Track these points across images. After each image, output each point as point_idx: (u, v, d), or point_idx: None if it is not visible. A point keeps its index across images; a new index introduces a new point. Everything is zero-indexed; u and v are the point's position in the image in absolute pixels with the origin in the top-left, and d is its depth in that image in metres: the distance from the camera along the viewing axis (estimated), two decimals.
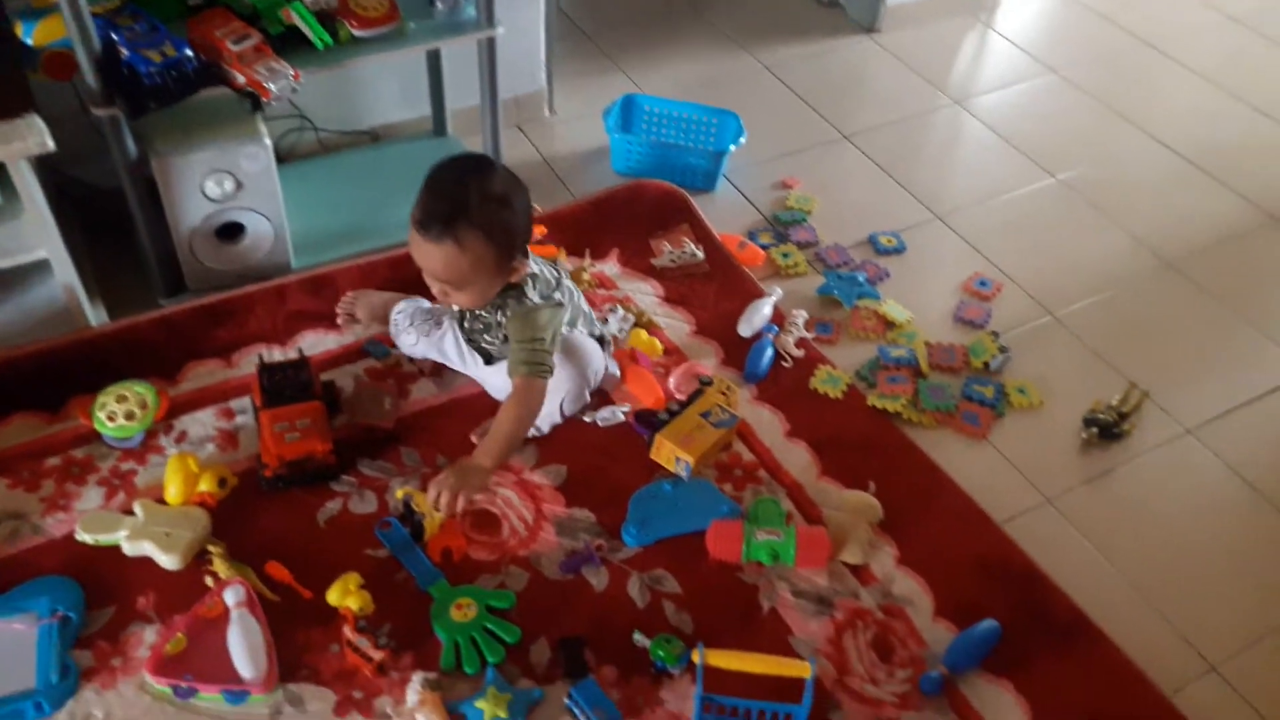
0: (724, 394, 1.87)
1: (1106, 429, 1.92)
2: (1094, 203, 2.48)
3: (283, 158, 2.35)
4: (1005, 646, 1.57)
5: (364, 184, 2.33)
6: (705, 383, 1.89)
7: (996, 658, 1.56)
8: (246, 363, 1.91)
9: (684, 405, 1.84)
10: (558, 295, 1.71)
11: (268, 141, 1.89)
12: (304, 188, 2.28)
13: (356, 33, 1.87)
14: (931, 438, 1.91)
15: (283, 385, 1.74)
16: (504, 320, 1.71)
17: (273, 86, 1.73)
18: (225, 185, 1.88)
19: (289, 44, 1.82)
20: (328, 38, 1.81)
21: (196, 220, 1.92)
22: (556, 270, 1.77)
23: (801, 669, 1.29)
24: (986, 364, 2.03)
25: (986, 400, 1.96)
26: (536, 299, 1.67)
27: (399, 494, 1.64)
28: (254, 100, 1.77)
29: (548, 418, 1.79)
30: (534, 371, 1.66)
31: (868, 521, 1.71)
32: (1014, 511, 1.80)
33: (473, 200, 1.52)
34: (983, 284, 2.23)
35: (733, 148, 2.41)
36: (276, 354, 1.93)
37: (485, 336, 1.81)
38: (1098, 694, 1.54)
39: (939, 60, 2.96)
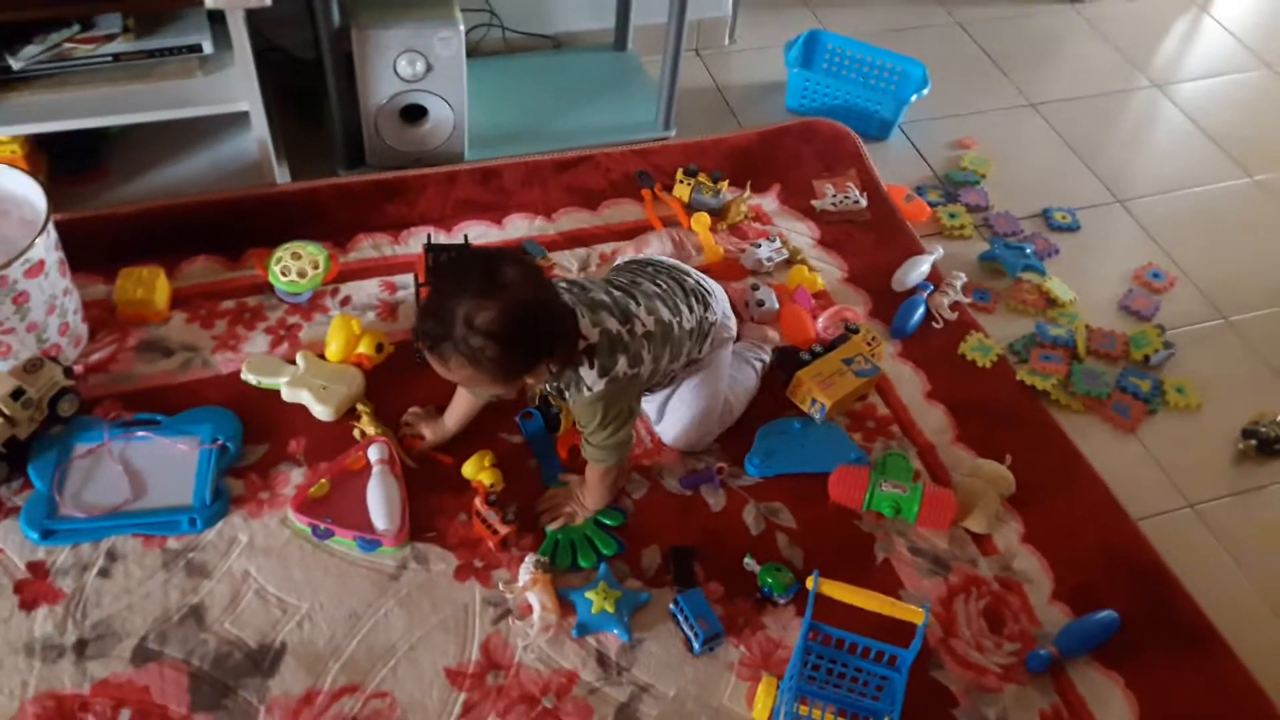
0: (869, 344, 1.85)
1: (1267, 443, 1.82)
2: None
3: (469, 53, 2.39)
4: (1122, 640, 1.53)
5: (541, 88, 2.36)
6: (852, 330, 1.87)
7: (1111, 650, 1.53)
8: (413, 240, 1.98)
9: (827, 348, 1.83)
10: (622, 363, 1.45)
11: (461, 28, 1.93)
12: (484, 84, 2.33)
13: None
14: (1077, 423, 1.85)
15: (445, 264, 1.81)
16: (569, 398, 1.50)
17: None
18: (417, 66, 1.94)
19: None
20: None
21: (385, 98, 1.99)
22: (663, 288, 1.57)
23: (915, 614, 1.28)
24: (1147, 357, 1.95)
25: (1141, 394, 1.89)
26: (594, 382, 1.43)
27: (537, 389, 1.69)
28: None
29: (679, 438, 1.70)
30: (600, 462, 1.53)
31: (998, 493, 1.68)
32: (1152, 510, 1.74)
33: (458, 331, 1.29)
34: (1156, 275, 2.12)
35: (915, 98, 2.34)
36: (442, 237, 2.00)
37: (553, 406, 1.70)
38: (1211, 703, 1.49)
39: (1143, 38, 2.79)
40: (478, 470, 1.62)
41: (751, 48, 2.62)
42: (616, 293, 1.53)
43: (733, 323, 1.73)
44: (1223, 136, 2.50)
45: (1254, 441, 1.83)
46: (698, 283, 1.67)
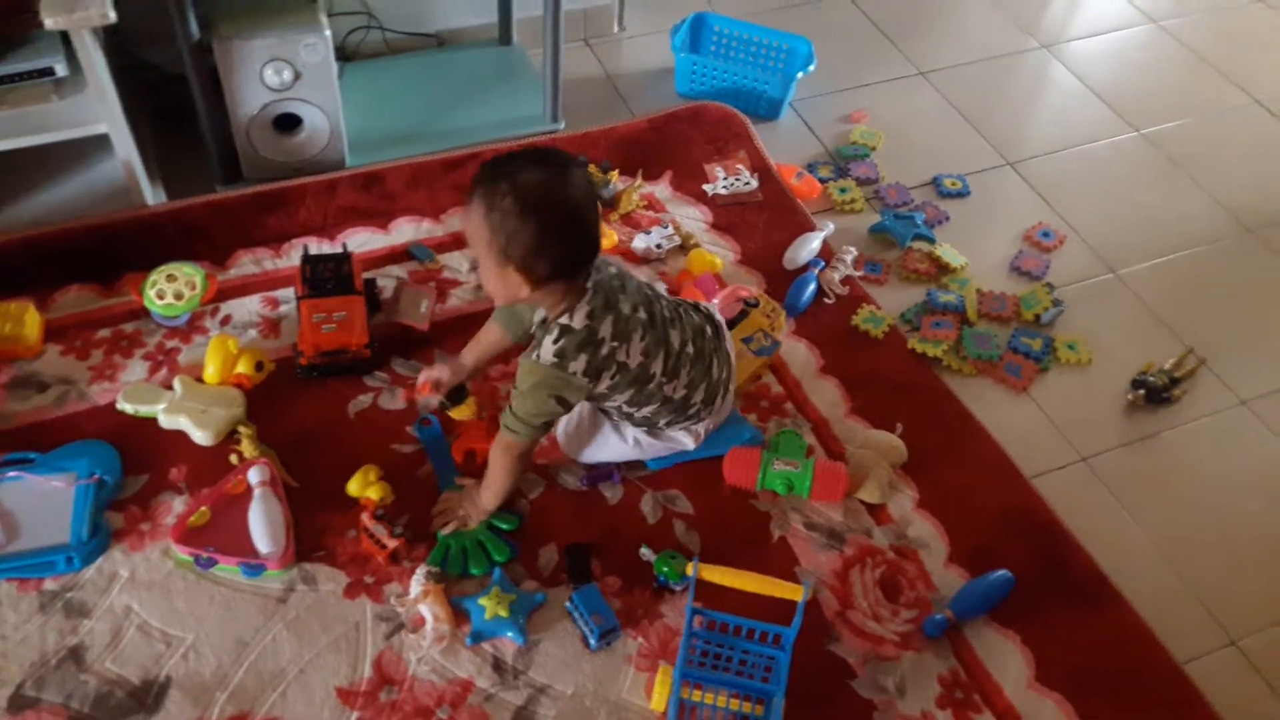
0: (768, 316, 1.84)
1: (1155, 392, 1.85)
2: (1176, 161, 2.36)
3: (349, 56, 2.36)
4: (1018, 599, 1.55)
5: (425, 87, 2.33)
6: (750, 305, 1.86)
7: (1007, 609, 1.54)
8: (294, 253, 1.94)
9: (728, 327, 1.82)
10: (579, 364, 1.42)
11: (327, 33, 1.90)
12: (366, 87, 2.30)
13: None
14: (971, 386, 1.87)
15: (324, 277, 1.77)
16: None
17: None
18: (284, 74, 1.90)
19: None
20: None
21: (255, 109, 1.95)
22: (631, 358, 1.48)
23: (795, 591, 1.28)
24: (1038, 316, 1.97)
25: (1033, 353, 1.91)
26: (545, 354, 1.42)
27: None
28: None
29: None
30: (506, 431, 1.49)
31: (889, 462, 1.69)
32: (1045, 467, 1.76)
33: (502, 173, 1.33)
34: (1046, 235, 2.15)
35: (801, 75, 2.34)
36: (325, 247, 1.96)
37: None
38: (1105, 654, 1.51)
39: (1031, 1, 2.82)
40: (363, 486, 1.59)
41: (641, 34, 2.61)
42: (639, 312, 1.48)
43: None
44: (1110, 93, 2.53)
45: (1142, 391, 1.85)
46: (721, 379, 1.63)
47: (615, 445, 1.65)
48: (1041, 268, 2.08)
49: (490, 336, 1.68)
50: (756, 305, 1.86)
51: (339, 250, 1.83)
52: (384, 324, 1.83)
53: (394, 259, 1.97)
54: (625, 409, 1.57)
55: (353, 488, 1.60)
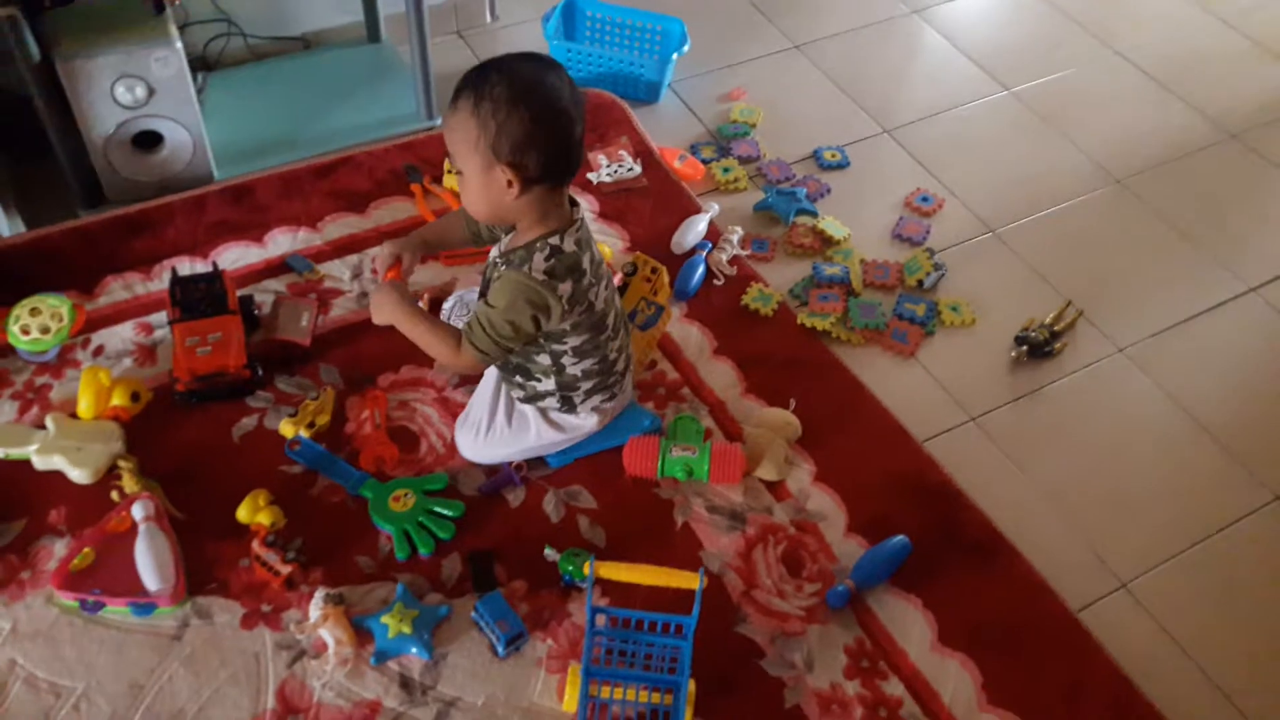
0: (649, 279, 1.79)
1: (1037, 347, 1.91)
2: (1046, 117, 2.42)
3: (211, 65, 2.28)
4: (917, 562, 1.58)
5: (294, 92, 2.26)
6: (629, 273, 1.80)
7: (907, 573, 1.57)
8: (166, 276, 1.86)
9: None
10: (566, 289, 1.42)
11: (179, 45, 1.82)
12: (231, 96, 2.22)
13: None
14: (860, 356, 1.90)
15: (195, 298, 1.71)
16: (495, 272, 1.48)
17: None
18: (137, 91, 1.82)
19: None
20: None
21: (110, 128, 1.87)
22: (603, 299, 1.51)
23: (690, 580, 1.29)
24: (920, 281, 2.01)
25: (917, 318, 1.95)
26: (536, 268, 1.40)
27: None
28: (156, 2, 1.69)
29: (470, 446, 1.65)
30: (468, 336, 1.47)
31: (785, 439, 1.71)
32: (936, 430, 1.80)
33: (491, 67, 1.32)
34: (925, 200, 2.19)
35: (676, 57, 2.33)
36: (198, 266, 1.90)
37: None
38: (1003, 608, 1.56)
39: None
40: (253, 512, 1.55)
41: (515, 22, 2.57)
42: (600, 265, 1.51)
43: None
44: (979, 54, 2.59)
45: (1025, 348, 1.91)
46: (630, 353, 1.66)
47: (528, 439, 1.63)
48: (922, 233, 2.12)
49: (453, 225, 1.63)
50: (635, 273, 1.81)
51: (209, 269, 1.76)
52: (264, 341, 1.78)
53: (271, 272, 1.91)
54: (568, 358, 1.54)
55: (242, 514, 1.55)
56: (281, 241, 1.96)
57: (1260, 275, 2.09)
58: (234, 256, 1.93)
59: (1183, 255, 2.13)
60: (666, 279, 1.80)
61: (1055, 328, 1.94)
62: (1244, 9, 2.76)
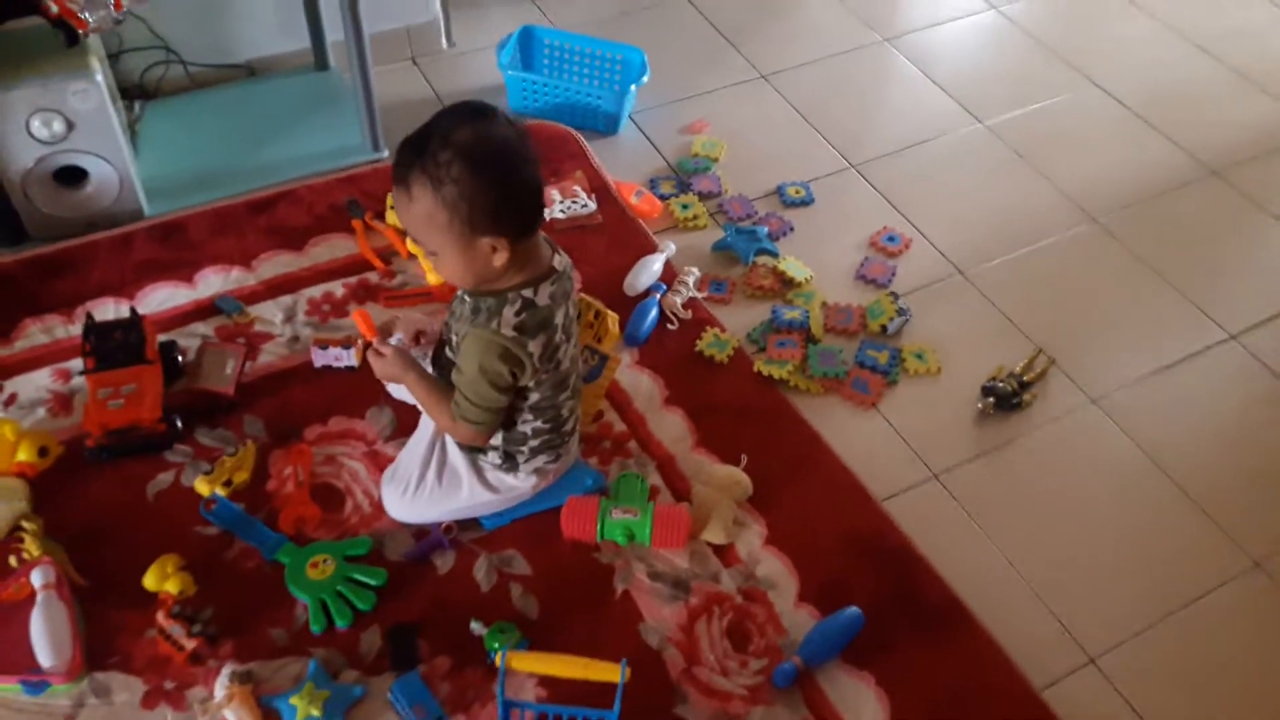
0: (591, 325, 1.70)
1: (1004, 399, 1.81)
2: (1021, 151, 2.33)
3: (150, 94, 2.18)
4: (870, 634, 1.48)
5: (236, 122, 2.17)
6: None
7: (860, 647, 1.47)
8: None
9: None
10: (536, 345, 1.34)
11: (100, 78, 1.73)
12: (168, 127, 2.13)
13: None
14: (818, 406, 1.80)
15: (110, 347, 1.62)
16: (459, 330, 1.39)
17: (89, 16, 1.58)
18: (54, 126, 1.73)
19: None
20: None
21: (28, 164, 1.77)
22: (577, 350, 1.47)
23: (611, 672, 1.19)
24: (884, 327, 1.91)
25: (879, 366, 1.85)
26: (505, 324, 1.32)
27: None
28: (69, 33, 1.60)
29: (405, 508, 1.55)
30: (456, 411, 1.40)
31: (733, 499, 1.61)
32: (897, 487, 1.70)
33: (433, 145, 1.22)
34: (891, 239, 2.10)
35: (634, 88, 2.25)
36: (123, 308, 1.80)
37: (447, 351, 1.49)
38: (962, 686, 1.45)
39: None
40: (161, 579, 1.45)
41: (473, 49, 2.48)
42: (573, 322, 1.45)
43: None
44: (953, 84, 2.50)
45: (992, 399, 1.81)
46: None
47: (458, 499, 1.53)
48: (887, 274, 2.03)
49: None
50: (579, 317, 1.70)
51: (127, 314, 1.67)
52: (185, 391, 1.68)
53: (200, 315, 1.82)
54: (522, 414, 1.45)
55: (149, 582, 1.45)
56: (212, 281, 1.87)
57: (1241, 321, 2.00)
58: (161, 298, 1.83)
59: (1161, 299, 2.04)
60: (613, 325, 1.71)
61: (1024, 377, 1.85)
62: (1227, 37, 2.68)
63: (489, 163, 1.24)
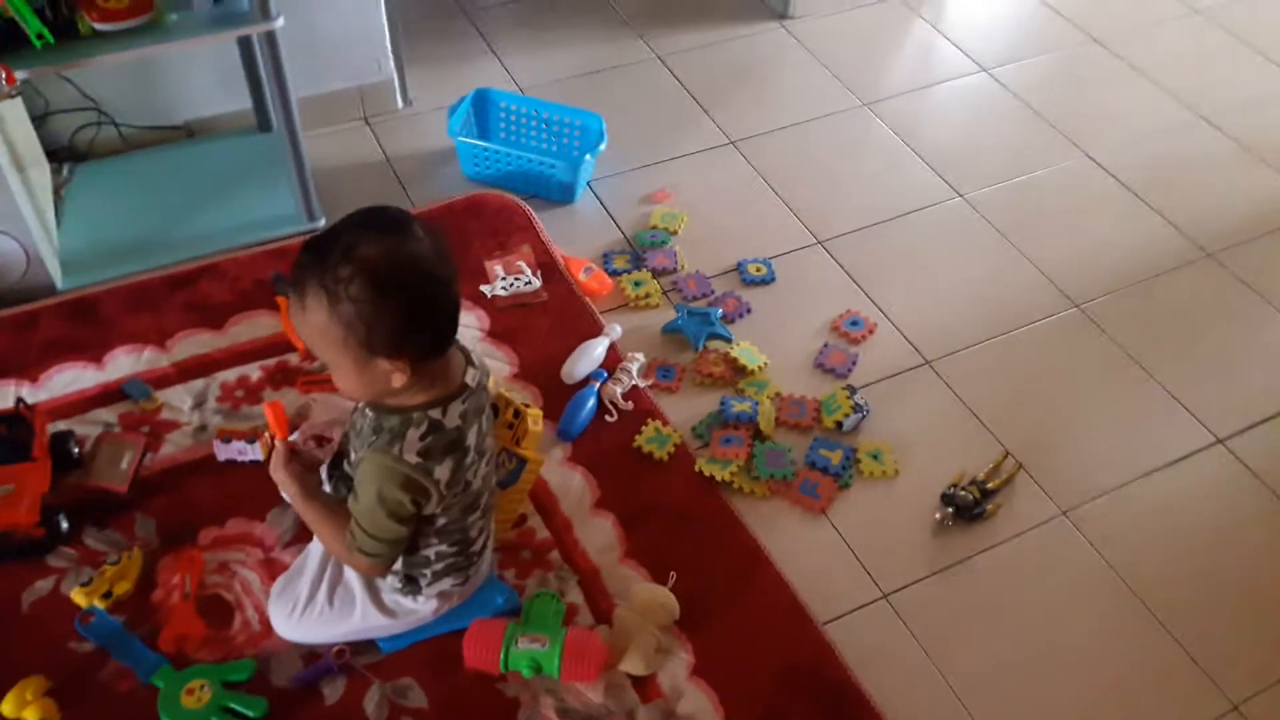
0: (510, 426, 1.55)
1: (966, 508, 1.66)
2: (1003, 228, 2.19)
3: (80, 156, 2.09)
4: None
5: (168, 187, 2.07)
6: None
7: None
8: None
9: None
10: (444, 471, 1.21)
11: (2, 147, 1.63)
12: (98, 191, 2.04)
13: (97, 26, 1.59)
14: (763, 511, 1.66)
15: None
16: (358, 446, 1.28)
17: None
18: None
19: (7, 39, 1.54)
20: (48, 34, 1.53)
21: None
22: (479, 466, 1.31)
23: None
24: (839, 423, 1.77)
25: (832, 468, 1.71)
26: (408, 449, 1.19)
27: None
28: None
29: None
30: (351, 543, 1.27)
31: (657, 624, 1.47)
32: (842, 607, 1.56)
33: (334, 257, 1.10)
34: (854, 324, 1.96)
35: (589, 157, 2.13)
36: (25, 390, 1.69)
37: (345, 465, 1.40)
38: None
39: (853, 53, 2.65)
40: (19, 706, 1.32)
41: (431, 108, 2.37)
42: (488, 438, 1.34)
43: None
44: (934, 153, 2.37)
45: (952, 509, 1.67)
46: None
47: (350, 622, 1.40)
48: (847, 363, 1.89)
49: None
50: (495, 416, 1.55)
51: (11, 408, 1.56)
52: (76, 487, 1.57)
53: (106, 399, 1.71)
54: (426, 537, 1.32)
55: (7, 709, 1.33)
56: (123, 363, 1.76)
57: (1231, 423, 1.84)
58: (66, 380, 1.73)
59: (1144, 396, 1.89)
60: (534, 424, 1.56)
61: (989, 484, 1.70)
62: (1233, 107, 2.53)
63: (395, 285, 1.11)
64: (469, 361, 1.28)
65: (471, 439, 1.26)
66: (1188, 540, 1.68)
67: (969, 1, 2.88)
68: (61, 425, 1.65)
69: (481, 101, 2.23)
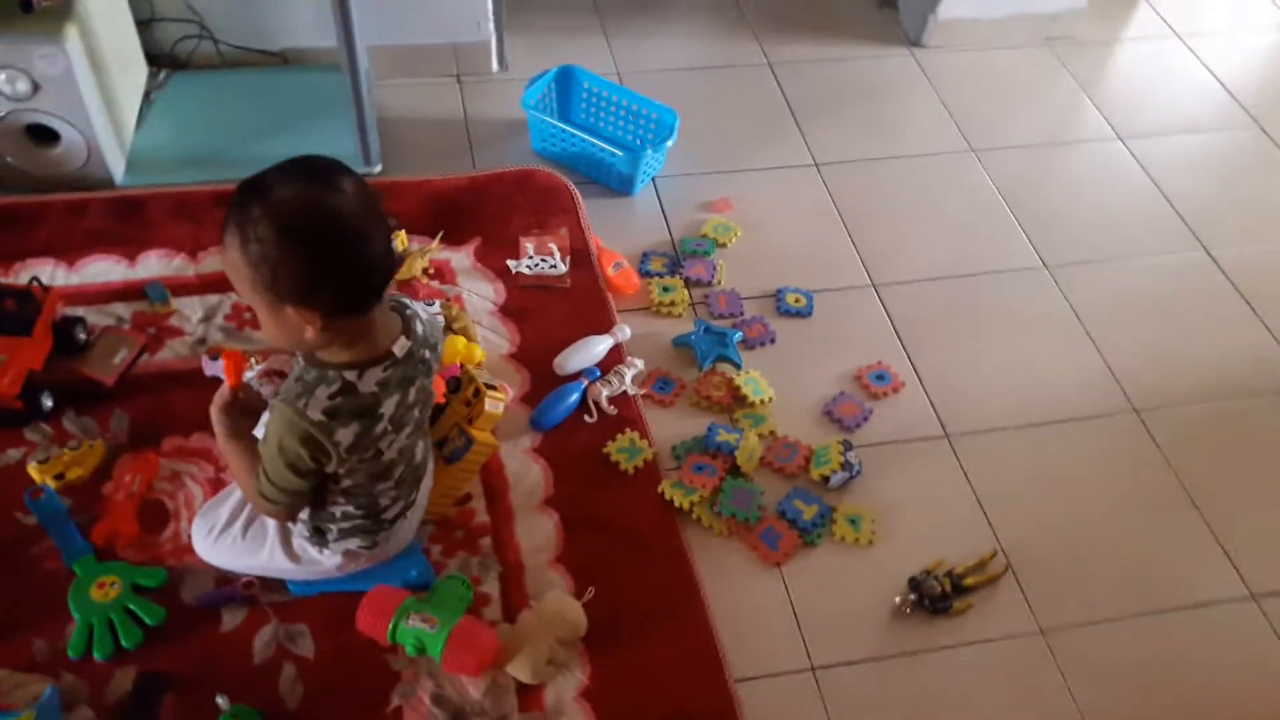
0: (469, 403, 1.52)
1: (932, 599, 1.53)
2: (1081, 309, 2.00)
3: (180, 65, 2.19)
4: None
5: (251, 108, 2.15)
6: (452, 389, 1.55)
7: None
8: (24, 275, 1.77)
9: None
10: (347, 434, 1.20)
11: (70, 45, 1.72)
12: (186, 100, 2.13)
13: None
14: (716, 550, 1.58)
15: (2, 313, 1.60)
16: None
17: None
18: (18, 84, 1.73)
19: None
20: None
21: None
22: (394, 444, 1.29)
23: None
24: (826, 477, 1.66)
25: (801, 522, 1.60)
26: (316, 405, 1.17)
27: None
28: (23, 1, 1.60)
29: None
30: (259, 495, 1.28)
31: (557, 635, 1.42)
32: (763, 669, 1.46)
33: (252, 207, 1.09)
34: (880, 378, 1.83)
35: (651, 151, 2.07)
36: (60, 272, 1.79)
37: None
38: None
39: (979, 94, 2.48)
40: None
41: (524, 77, 2.33)
42: (416, 410, 1.30)
43: None
44: (1031, 215, 2.18)
45: (915, 596, 1.53)
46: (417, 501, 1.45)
47: (257, 557, 1.42)
48: (858, 417, 1.76)
49: None
50: (458, 390, 1.55)
51: (24, 284, 1.64)
52: (68, 370, 1.64)
53: (128, 295, 1.79)
54: (333, 494, 1.32)
55: None
56: (153, 265, 1.84)
57: (1270, 582, 1.62)
58: (98, 270, 1.82)
59: (1181, 527, 1.68)
60: (491, 406, 1.52)
61: (966, 579, 1.55)
62: None
63: (303, 234, 1.09)
64: (407, 330, 1.26)
65: (388, 408, 1.24)
66: (1178, 695, 1.48)
67: (1131, 63, 2.64)
68: (81, 312, 1.73)
69: (566, 78, 2.21)
